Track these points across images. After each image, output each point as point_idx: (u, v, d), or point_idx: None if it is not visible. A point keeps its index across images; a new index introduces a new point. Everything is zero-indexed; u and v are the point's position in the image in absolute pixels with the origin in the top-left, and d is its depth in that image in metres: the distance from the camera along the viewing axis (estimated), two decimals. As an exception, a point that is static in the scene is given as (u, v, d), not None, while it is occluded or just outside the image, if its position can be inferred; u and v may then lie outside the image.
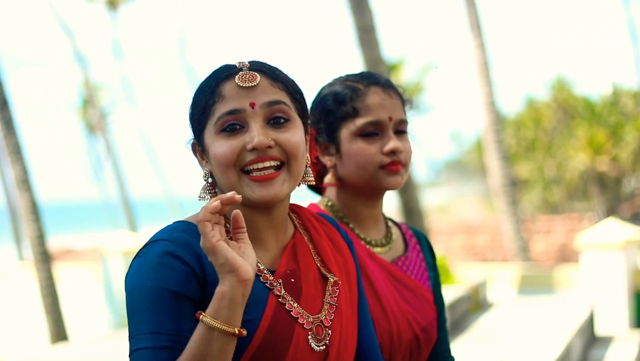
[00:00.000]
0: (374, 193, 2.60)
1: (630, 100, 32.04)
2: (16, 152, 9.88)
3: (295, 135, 2.01)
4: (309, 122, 2.14)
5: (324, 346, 2.02)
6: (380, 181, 2.54)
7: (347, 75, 2.64)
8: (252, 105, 1.97)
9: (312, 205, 2.63)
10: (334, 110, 2.56)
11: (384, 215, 2.71)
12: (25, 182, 9.87)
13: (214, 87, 2.00)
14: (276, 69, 2.06)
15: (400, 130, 2.57)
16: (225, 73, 2.01)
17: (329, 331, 2.04)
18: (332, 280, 2.11)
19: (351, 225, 2.60)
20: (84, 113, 41.56)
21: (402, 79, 39.89)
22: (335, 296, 2.10)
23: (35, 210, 9.86)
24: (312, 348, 2.00)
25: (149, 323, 1.87)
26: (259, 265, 2.00)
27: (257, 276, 1.99)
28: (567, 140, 31.39)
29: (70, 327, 10.58)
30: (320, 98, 2.62)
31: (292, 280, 2.03)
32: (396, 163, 2.53)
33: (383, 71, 10.79)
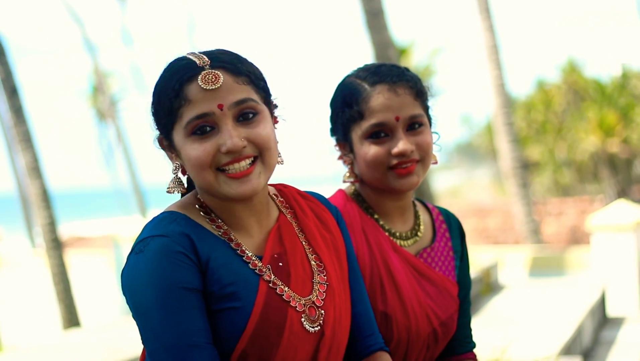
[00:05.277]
0: (393, 191, 2.53)
1: (641, 81, 31.87)
2: (26, 140, 9.91)
3: (266, 128, 2.01)
4: (273, 102, 2.11)
5: (319, 327, 2.03)
6: (390, 183, 2.47)
7: (358, 70, 2.56)
8: (220, 107, 1.95)
9: (340, 190, 2.60)
10: (344, 111, 2.51)
11: (414, 203, 2.65)
12: (35, 170, 9.90)
13: (177, 90, 1.96)
14: (236, 59, 2.02)
15: (414, 124, 2.48)
16: (188, 74, 1.97)
17: (322, 311, 2.04)
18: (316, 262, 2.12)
19: (376, 216, 2.55)
20: (94, 100, 41.64)
21: (411, 62, 39.77)
22: (324, 276, 2.10)
23: (46, 198, 9.90)
24: (307, 329, 2.00)
25: (168, 322, 1.86)
26: (247, 252, 2.01)
27: (246, 263, 1.99)
28: (578, 122, 31.27)
29: (83, 313, 10.62)
30: (333, 98, 2.57)
31: (280, 263, 2.04)
32: (406, 165, 2.46)
33: (392, 55, 10.76)
